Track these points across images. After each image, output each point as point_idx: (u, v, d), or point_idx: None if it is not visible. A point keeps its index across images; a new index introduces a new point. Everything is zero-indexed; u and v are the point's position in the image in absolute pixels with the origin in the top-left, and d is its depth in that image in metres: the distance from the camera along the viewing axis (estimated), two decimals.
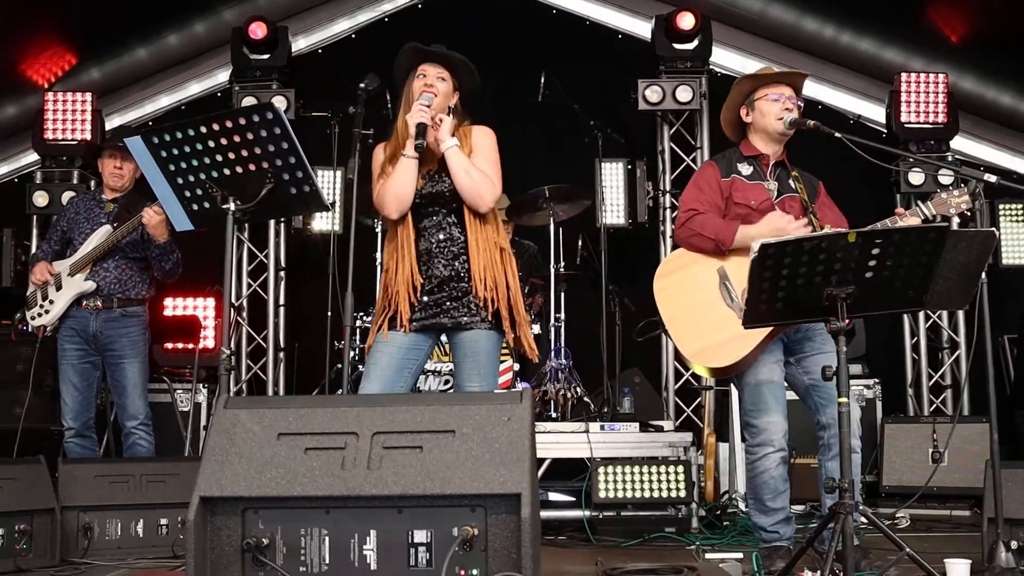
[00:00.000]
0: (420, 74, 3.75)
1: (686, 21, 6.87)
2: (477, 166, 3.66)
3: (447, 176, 3.68)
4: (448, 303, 3.65)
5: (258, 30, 6.94)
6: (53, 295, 5.03)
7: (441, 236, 3.69)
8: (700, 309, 3.76)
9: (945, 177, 6.78)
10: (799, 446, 5.57)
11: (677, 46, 6.98)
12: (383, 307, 3.72)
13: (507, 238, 3.78)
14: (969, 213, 3.74)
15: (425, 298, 3.67)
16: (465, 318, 3.65)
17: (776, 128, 3.88)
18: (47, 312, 5.02)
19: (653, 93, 6.90)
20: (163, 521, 4.30)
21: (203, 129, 3.35)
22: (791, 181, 3.94)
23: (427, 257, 3.69)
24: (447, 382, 5.78)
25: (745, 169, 3.93)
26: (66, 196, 6.90)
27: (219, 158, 3.38)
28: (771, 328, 3.56)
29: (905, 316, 6.95)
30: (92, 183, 7.12)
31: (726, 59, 7.46)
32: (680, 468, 4.98)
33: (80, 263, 4.99)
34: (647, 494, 4.94)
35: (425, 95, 3.67)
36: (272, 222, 7.21)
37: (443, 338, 3.87)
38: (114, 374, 5.03)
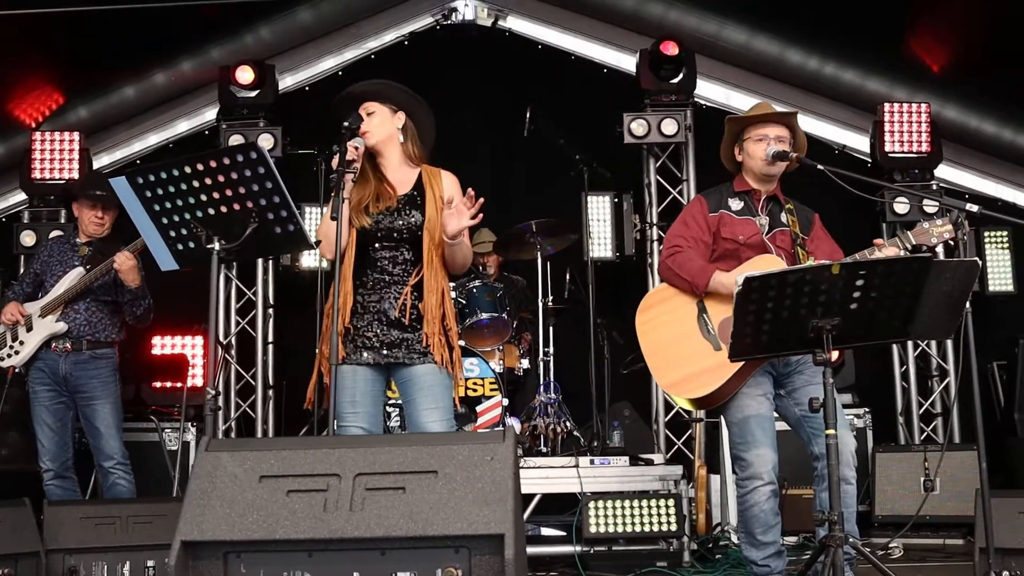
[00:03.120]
0: None
1: (672, 48, 6.87)
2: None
3: (405, 213, 3.73)
4: (402, 339, 3.66)
5: (245, 75, 6.94)
6: (23, 336, 5.01)
7: (396, 272, 3.72)
8: (677, 341, 3.77)
9: (929, 206, 6.81)
10: (791, 477, 5.55)
11: (662, 80, 7.01)
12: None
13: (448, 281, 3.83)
14: (952, 242, 3.75)
15: (379, 331, 3.66)
16: (417, 354, 3.66)
17: (760, 168, 3.89)
18: (17, 353, 5.00)
19: (638, 126, 6.92)
20: (150, 563, 4.24)
21: (187, 169, 3.35)
22: (783, 215, 3.93)
23: (382, 292, 3.70)
24: None
25: (736, 204, 3.92)
26: (53, 236, 6.90)
27: (203, 198, 3.38)
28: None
29: (894, 345, 6.94)
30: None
31: (711, 92, 7.50)
32: (671, 501, 4.96)
33: (51, 305, 4.98)
34: (638, 528, 4.91)
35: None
36: (260, 259, 7.19)
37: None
38: (86, 415, 5.00)
